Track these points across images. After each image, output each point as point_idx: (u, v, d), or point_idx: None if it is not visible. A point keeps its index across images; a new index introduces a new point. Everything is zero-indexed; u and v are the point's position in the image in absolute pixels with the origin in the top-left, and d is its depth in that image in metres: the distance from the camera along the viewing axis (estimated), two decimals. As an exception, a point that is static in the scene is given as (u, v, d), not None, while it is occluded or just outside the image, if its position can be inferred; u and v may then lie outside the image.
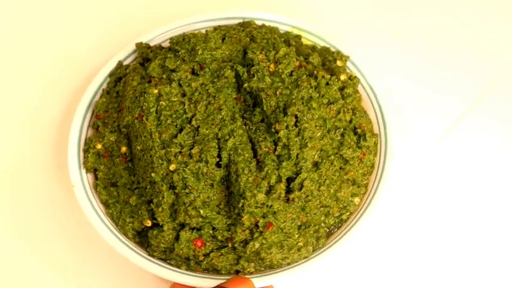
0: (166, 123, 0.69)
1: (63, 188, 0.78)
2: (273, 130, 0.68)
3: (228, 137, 0.68)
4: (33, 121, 0.83)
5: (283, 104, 0.69)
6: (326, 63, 0.77)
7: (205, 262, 0.67)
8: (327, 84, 0.71)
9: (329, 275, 0.74)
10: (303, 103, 0.69)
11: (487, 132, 0.82)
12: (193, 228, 0.67)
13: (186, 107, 0.70)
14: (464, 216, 0.77)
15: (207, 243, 0.67)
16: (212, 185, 0.67)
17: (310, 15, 0.90)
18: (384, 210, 0.75)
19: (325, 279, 0.74)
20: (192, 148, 0.68)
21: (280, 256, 0.66)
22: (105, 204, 0.71)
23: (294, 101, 0.68)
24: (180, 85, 0.71)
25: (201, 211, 0.66)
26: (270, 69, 0.71)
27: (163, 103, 0.70)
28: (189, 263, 0.68)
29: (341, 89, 0.73)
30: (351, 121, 0.72)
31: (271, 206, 0.65)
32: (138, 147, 0.70)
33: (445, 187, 0.79)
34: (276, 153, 0.67)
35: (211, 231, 0.67)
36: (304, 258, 0.68)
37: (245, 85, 0.71)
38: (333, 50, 0.79)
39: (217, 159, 0.67)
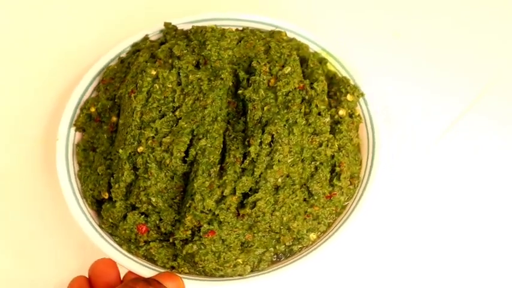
0: (152, 106, 0.70)
1: (51, 188, 0.76)
2: (246, 143, 0.68)
3: (201, 136, 0.68)
4: (24, 119, 0.84)
5: (266, 121, 0.68)
6: (337, 93, 0.75)
7: (144, 249, 0.68)
8: (319, 114, 0.70)
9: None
10: (285, 125, 0.67)
11: (486, 132, 0.82)
12: (142, 213, 0.68)
13: (176, 96, 0.70)
14: (464, 216, 0.77)
15: (151, 232, 0.67)
16: (172, 178, 0.68)
17: (310, 14, 0.91)
18: (383, 210, 0.76)
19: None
20: (165, 137, 0.68)
21: (214, 266, 0.66)
22: (80, 166, 0.74)
23: (276, 120, 0.67)
24: (178, 74, 0.71)
25: (153, 199, 0.66)
26: (270, 84, 0.70)
27: (157, 86, 0.70)
28: (129, 245, 0.68)
29: (335, 123, 0.71)
30: (332, 157, 0.70)
31: (218, 215, 0.65)
32: (121, 120, 0.71)
33: (444, 187, 0.78)
34: (242, 166, 0.67)
35: (157, 221, 0.67)
36: (239, 275, 0.67)
37: (239, 91, 0.71)
38: (352, 82, 0.76)
39: (183, 155, 0.67)
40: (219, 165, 0.67)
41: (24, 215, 0.76)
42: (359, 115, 0.74)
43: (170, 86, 0.71)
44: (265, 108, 0.69)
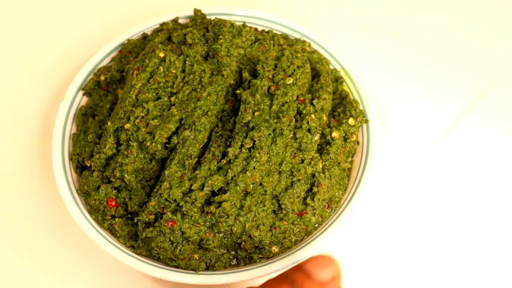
0: (151, 87, 0.70)
1: (49, 187, 0.76)
2: (228, 143, 0.67)
3: (187, 126, 0.68)
4: (20, 118, 0.83)
5: (252, 126, 0.67)
6: (341, 114, 0.73)
7: (108, 222, 0.69)
8: (309, 130, 0.69)
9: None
10: (270, 134, 0.67)
11: (486, 132, 0.82)
12: (115, 188, 0.69)
13: (176, 82, 0.71)
14: (464, 216, 0.77)
15: (119, 208, 0.69)
16: (151, 161, 0.68)
17: (310, 14, 0.91)
18: (383, 210, 0.77)
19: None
20: (154, 119, 0.69)
21: (169, 255, 0.66)
22: (77, 128, 0.75)
23: (262, 128, 0.67)
24: (185, 61, 0.72)
25: (126, 176, 0.67)
26: (270, 90, 0.70)
27: (161, 68, 0.71)
28: (97, 216, 0.70)
29: (326, 143, 0.70)
30: (313, 176, 0.69)
31: (182, 206, 0.65)
32: (120, 95, 0.73)
33: (445, 187, 0.78)
34: (218, 164, 0.67)
35: (127, 199, 0.68)
36: (192, 270, 0.67)
37: (237, 91, 0.70)
38: (360, 107, 0.75)
39: (165, 141, 0.68)
40: (196, 159, 0.67)
41: (22, 214, 0.76)
42: (356, 141, 0.73)
43: (174, 71, 0.71)
44: (257, 113, 0.68)
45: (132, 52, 0.78)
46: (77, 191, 0.71)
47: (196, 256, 0.67)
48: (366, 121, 0.74)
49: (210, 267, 0.68)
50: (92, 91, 0.77)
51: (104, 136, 0.70)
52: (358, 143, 0.73)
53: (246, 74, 0.71)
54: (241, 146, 0.67)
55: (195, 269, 0.67)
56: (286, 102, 0.69)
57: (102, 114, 0.75)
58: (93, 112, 0.76)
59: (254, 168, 0.66)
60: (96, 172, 0.70)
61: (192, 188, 0.65)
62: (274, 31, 0.80)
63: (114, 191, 0.69)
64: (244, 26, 0.77)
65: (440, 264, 0.74)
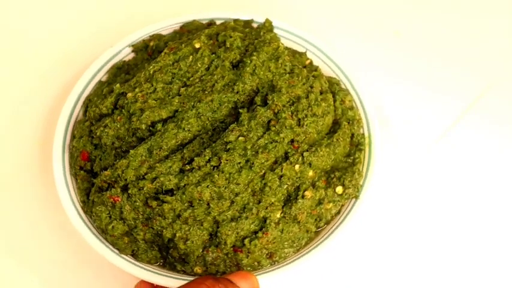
0: (171, 70, 0.71)
1: (49, 189, 0.76)
2: (199, 152, 0.67)
3: (175, 120, 0.68)
4: (21, 118, 0.83)
5: (228, 148, 0.66)
6: (335, 178, 0.70)
7: (74, 172, 0.72)
8: (280, 177, 0.66)
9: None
10: (239, 163, 0.66)
11: (486, 132, 0.83)
12: (94, 144, 0.71)
13: (195, 76, 0.71)
14: (464, 216, 0.78)
15: (87, 163, 0.71)
16: (132, 135, 0.70)
17: (310, 15, 0.90)
18: (383, 210, 0.77)
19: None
20: (154, 100, 0.70)
21: (102, 226, 0.68)
22: (107, 77, 0.78)
23: (235, 154, 0.65)
24: (212, 62, 0.72)
25: (105, 138, 0.69)
26: (270, 124, 0.68)
27: (190, 58, 0.71)
28: (71, 161, 0.72)
29: (296, 197, 0.67)
30: (265, 221, 0.67)
31: (129, 188, 0.66)
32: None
33: (445, 186, 0.79)
34: (181, 167, 0.66)
35: (98, 159, 0.70)
36: (117, 249, 0.68)
37: (241, 110, 0.69)
38: (357, 180, 0.71)
39: (150, 124, 0.69)
40: (166, 153, 0.67)
41: (21, 215, 0.77)
42: (335, 212, 0.69)
43: (199, 66, 0.71)
44: (241, 138, 0.66)
45: (190, 33, 0.79)
46: (75, 192, 0.72)
47: (126, 239, 0.67)
48: (355, 197, 0.69)
49: (134, 255, 0.68)
50: (138, 51, 0.79)
51: (109, 95, 0.72)
52: (339, 212, 0.70)
53: (258, 99, 0.69)
54: (208, 161, 0.65)
55: (119, 250, 0.67)
56: (276, 141, 0.67)
57: (132, 75, 0.76)
58: (128, 69, 0.78)
59: (207, 186, 0.64)
60: (87, 122, 0.72)
61: (145, 176, 0.66)
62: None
63: (92, 147, 0.71)
64: (284, 51, 0.74)
65: (440, 264, 0.74)
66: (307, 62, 0.77)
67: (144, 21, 0.81)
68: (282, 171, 0.66)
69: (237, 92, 0.70)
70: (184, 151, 0.67)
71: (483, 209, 0.78)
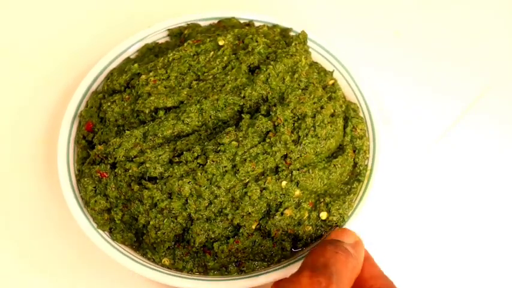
0: (188, 61, 0.72)
1: (53, 188, 0.76)
2: (190, 147, 0.67)
3: (177, 112, 0.69)
4: (25, 119, 0.83)
5: (219, 150, 0.66)
6: (323, 203, 0.68)
7: (77, 139, 0.73)
8: (261, 190, 0.65)
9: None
10: (225, 167, 0.65)
11: (487, 131, 0.83)
12: (100, 117, 0.72)
13: (210, 72, 0.71)
14: (464, 215, 0.78)
15: (90, 134, 0.72)
16: (136, 116, 0.70)
17: (310, 15, 0.90)
18: (384, 210, 0.77)
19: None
20: (164, 87, 0.70)
21: (86, 198, 0.69)
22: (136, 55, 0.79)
23: (223, 157, 0.65)
24: (229, 62, 0.71)
25: (109, 113, 0.71)
26: (267, 135, 0.67)
27: (211, 53, 0.72)
28: (78, 130, 0.74)
29: (276, 210, 0.66)
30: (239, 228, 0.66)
31: (116, 167, 0.67)
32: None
33: (445, 186, 0.79)
34: (170, 158, 0.67)
35: (99, 132, 0.71)
36: (96, 224, 0.69)
37: (243, 114, 0.68)
38: (345, 211, 0.69)
39: (153, 110, 0.69)
40: (160, 141, 0.68)
41: (25, 214, 0.76)
42: (306, 232, 0.68)
43: (218, 63, 0.71)
44: (234, 143, 0.66)
45: (225, 29, 0.79)
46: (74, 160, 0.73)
47: (106, 215, 0.68)
48: (339, 226, 0.67)
49: (112, 233, 0.69)
50: (173, 36, 0.80)
51: (124, 73, 0.73)
52: (320, 236, 0.68)
53: (263, 107, 0.69)
54: (196, 157, 0.65)
55: (98, 225, 0.68)
56: (268, 153, 0.66)
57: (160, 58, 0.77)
58: (158, 52, 0.79)
59: (188, 183, 0.64)
60: (100, 95, 0.74)
61: (134, 159, 0.66)
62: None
63: (98, 119, 0.72)
64: (305, 66, 0.73)
65: (440, 263, 0.74)
66: (331, 82, 0.75)
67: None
68: (265, 184, 0.65)
69: (244, 97, 0.69)
70: (178, 143, 0.67)
71: (483, 208, 0.78)
